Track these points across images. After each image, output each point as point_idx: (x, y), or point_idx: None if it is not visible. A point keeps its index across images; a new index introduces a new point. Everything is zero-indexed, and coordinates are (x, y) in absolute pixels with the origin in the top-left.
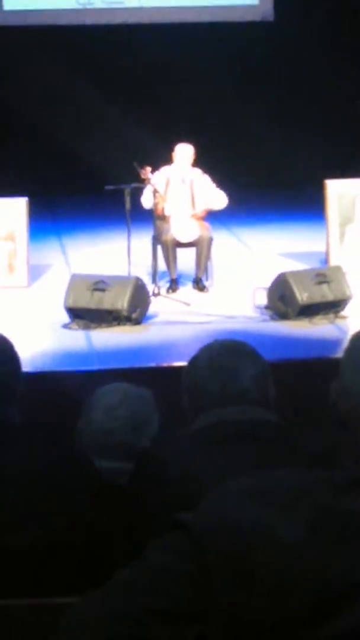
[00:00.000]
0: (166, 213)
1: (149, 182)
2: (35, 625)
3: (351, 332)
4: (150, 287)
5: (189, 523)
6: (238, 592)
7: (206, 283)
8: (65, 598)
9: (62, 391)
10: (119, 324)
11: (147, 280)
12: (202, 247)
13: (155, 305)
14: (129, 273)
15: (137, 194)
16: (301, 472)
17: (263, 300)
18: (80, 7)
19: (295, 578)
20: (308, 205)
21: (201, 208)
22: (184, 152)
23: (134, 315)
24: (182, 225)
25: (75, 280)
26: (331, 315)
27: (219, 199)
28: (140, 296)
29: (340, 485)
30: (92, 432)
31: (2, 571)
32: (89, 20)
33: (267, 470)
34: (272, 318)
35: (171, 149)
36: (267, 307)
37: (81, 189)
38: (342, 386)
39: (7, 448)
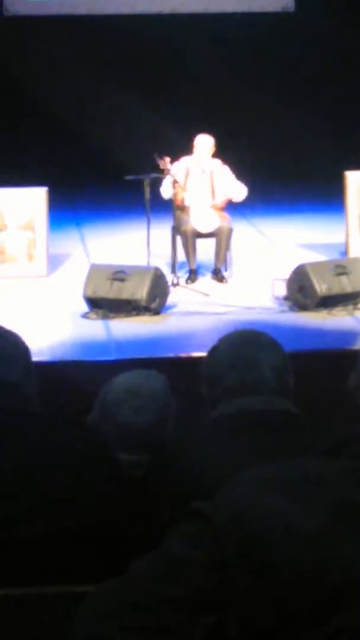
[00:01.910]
0: (186, 203)
1: (168, 173)
2: (53, 613)
3: None
4: (169, 278)
5: (207, 511)
6: (256, 581)
7: (225, 274)
8: (83, 587)
9: (81, 380)
10: (137, 314)
11: (166, 270)
12: (221, 238)
13: (174, 296)
14: (148, 263)
15: (156, 184)
16: (321, 461)
17: (282, 291)
18: None
19: (314, 567)
20: (327, 197)
21: (221, 199)
22: (203, 142)
23: (153, 305)
24: (202, 215)
25: (95, 269)
26: (350, 307)
27: (239, 191)
28: (159, 286)
29: (358, 476)
30: (110, 424)
31: (21, 559)
32: (110, 10)
33: (286, 460)
34: (291, 309)
35: (191, 140)
36: (286, 298)
37: (101, 179)
38: None
39: (23, 434)
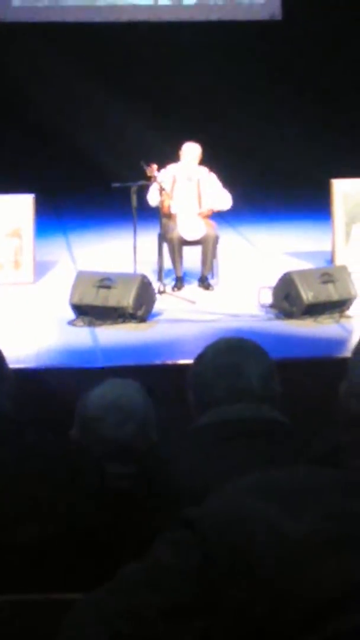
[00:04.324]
0: (172, 211)
1: (155, 180)
2: (40, 621)
3: (356, 331)
4: (155, 285)
5: (194, 518)
6: (243, 588)
7: (212, 281)
8: (71, 595)
9: (67, 388)
10: (124, 322)
11: (152, 278)
12: (208, 246)
13: (161, 303)
14: (135, 270)
15: (143, 191)
16: (310, 470)
17: (268, 299)
18: (88, 4)
19: (300, 576)
20: (314, 205)
21: (207, 207)
22: (190, 150)
23: (139, 313)
24: (188, 223)
25: (81, 277)
26: (336, 315)
27: (224, 200)
28: (145, 294)
29: (349, 486)
30: (92, 439)
31: (8, 567)
32: (97, 18)
33: (273, 468)
34: (277, 317)
35: (178, 147)
36: (272, 306)
37: (88, 186)
38: (351, 385)
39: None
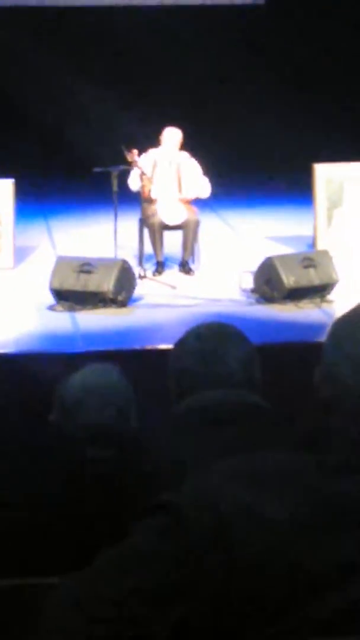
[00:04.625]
0: (153, 196)
1: (136, 165)
2: (20, 604)
3: (337, 316)
4: (136, 270)
5: (174, 504)
6: (222, 572)
7: (192, 266)
8: (49, 579)
9: (47, 372)
10: (104, 306)
11: (133, 262)
12: (189, 230)
13: (141, 288)
14: (115, 255)
15: (124, 176)
16: (288, 454)
17: (249, 283)
18: None
19: (282, 559)
20: (296, 189)
21: (187, 193)
22: (171, 135)
23: (119, 298)
24: (169, 208)
25: (61, 262)
26: (317, 300)
27: (203, 188)
28: (126, 279)
29: (327, 469)
30: (71, 424)
31: None
32: (78, 2)
33: (254, 453)
34: (259, 301)
35: (159, 133)
36: (253, 291)
37: (68, 171)
38: (325, 371)
39: None
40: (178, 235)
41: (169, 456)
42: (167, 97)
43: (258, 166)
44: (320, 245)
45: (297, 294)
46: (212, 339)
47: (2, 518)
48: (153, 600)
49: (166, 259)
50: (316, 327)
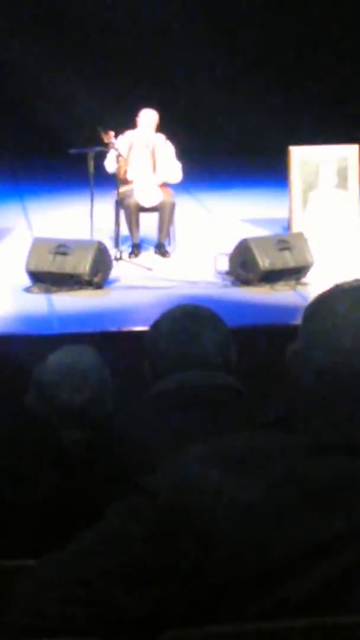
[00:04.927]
0: (129, 178)
1: (112, 147)
2: None
3: (312, 298)
4: (112, 252)
5: (148, 485)
6: (196, 554)
7: (168, 248)
8: (23, 561)
9: (23, 355)
10: (80, 288)
11: (109, 244)
12: (164, 212)
13: (117, 270)
14: (92, 237)
15: (100, 158)
16: (262, 435)
17: (225, 266)
18: None
19: (255, 540)
20: (271, 171)
21: (159, 176)
22: (148, 117)
23: (95, 280)
24: (145, 190)
25: (37, 243)
26: (292, 282)
27: (174, 174)
28: (102, 260)
29: (301, 449)
30: (47, 405)
31: None
32: None
33: (228, 435)
34: (234, 284)
35: (135, 114)
36: (228, 273)
37: (44, 152)
38: (298, 351)
39: None
40: (154, 217)
41: (144, 438)
42: (144, 79)
43: (234, 148)
44: (296, 228)
45: (272, 277)
46: (187, 321)
47: None
48: (127, 582)
49: (142, 240)
50: (291, 310)
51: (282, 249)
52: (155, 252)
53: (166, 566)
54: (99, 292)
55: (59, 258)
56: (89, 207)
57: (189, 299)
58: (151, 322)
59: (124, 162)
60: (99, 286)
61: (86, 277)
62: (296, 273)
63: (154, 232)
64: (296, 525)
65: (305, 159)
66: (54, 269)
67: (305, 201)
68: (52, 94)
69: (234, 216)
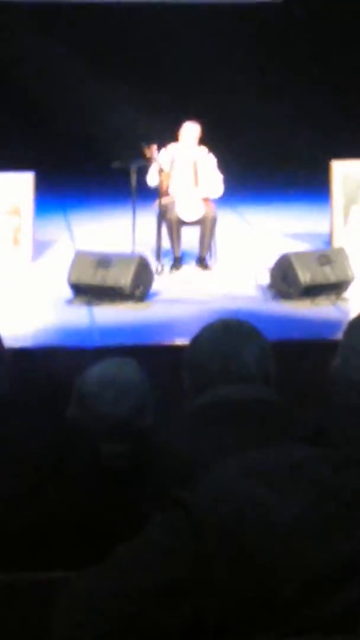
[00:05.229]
0: (171, 191)
1: (154, 160)
2: (35, 599)
3: (352, 314)
4: (154, 265)
5: (187, 501)
6: (233, 570)
7: (209, 262)
8: (65, 573)
9: (64, 367)
10: (121, 301)
11: (151, 258)
12: (206, 226)
13: (159, 283)
14: (133, 250)
15: (143, 171)
16: (300, 450)
17: (266, 280)
18: None
19: (291, 559)
20: (313, 186)
21: (201, 191)
22: (190, 130)
23: (136, 293)
24: (187, 204)
25: (80, 256)
26: (333, 297)
27: (215, 188)
28: (143, 274)
29: (338, 464)
30: (88, 417)
31: (3, 547)
32: None
33: (267, 449)
34: (274, 298)
35: (178, 128)
36: (269, 287)
37: (88, 165)
38: (340, 367)
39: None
40: (196, 231)
41: (184, 452)
42: (187, 93)
43: (276, 162)
44: (337, 243)
45: (312, 291)
46: (227, 335)
47: (18, 512)
48: (166, 596)
49: (183, 254)
50: (331, 325)
51: (323, 264)
52: (197, 266)
53: (205, 581)
54: (140, 305)
55: (101, 271)
56: (131, 220)
57: (229, 312)
58: (192, 335)
59: (166, 176)
60: (140, 299)
61: (127, 290)
62: (337, 288)
63: (196, 246)
64: (336, 540)
65: (347, 173)
66: (95, 281)
67: (346, 216)
68: (97, 108)
69: (275, 230)
